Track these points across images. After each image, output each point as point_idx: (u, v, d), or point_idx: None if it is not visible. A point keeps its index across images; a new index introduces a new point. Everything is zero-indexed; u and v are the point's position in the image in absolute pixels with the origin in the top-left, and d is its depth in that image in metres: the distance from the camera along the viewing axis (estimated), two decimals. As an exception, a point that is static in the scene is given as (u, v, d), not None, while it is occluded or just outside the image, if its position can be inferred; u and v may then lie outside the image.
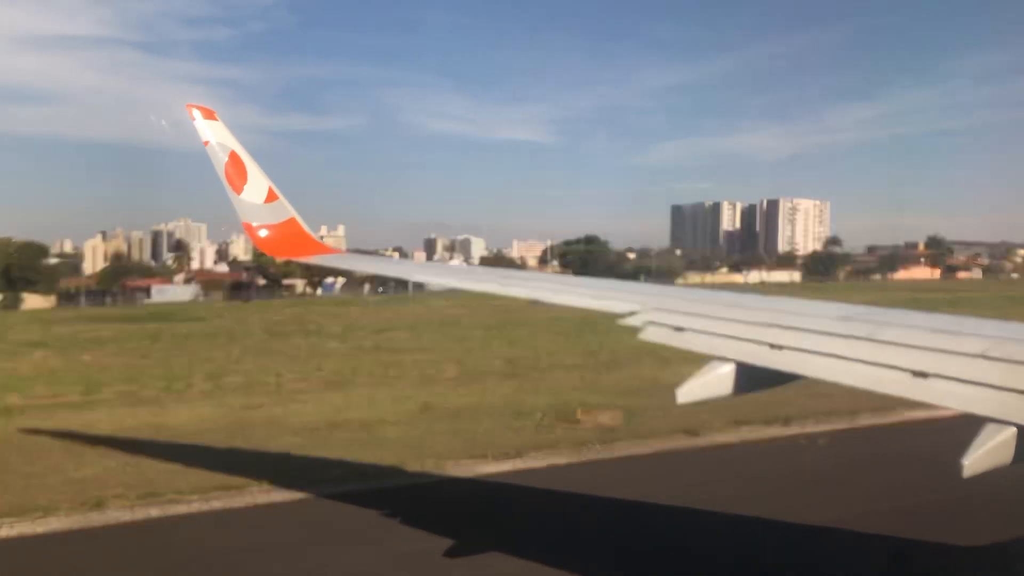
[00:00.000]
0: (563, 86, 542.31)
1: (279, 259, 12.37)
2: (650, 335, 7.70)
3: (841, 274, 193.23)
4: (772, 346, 6.73)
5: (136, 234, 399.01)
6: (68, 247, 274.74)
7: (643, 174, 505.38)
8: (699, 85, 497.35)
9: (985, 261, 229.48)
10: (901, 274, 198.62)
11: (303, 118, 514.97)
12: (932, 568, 12.45)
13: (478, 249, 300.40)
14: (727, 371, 6.65)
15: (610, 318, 8.35)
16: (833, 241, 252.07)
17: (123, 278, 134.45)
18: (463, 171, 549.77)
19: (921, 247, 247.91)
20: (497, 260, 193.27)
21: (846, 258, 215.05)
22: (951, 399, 5.26)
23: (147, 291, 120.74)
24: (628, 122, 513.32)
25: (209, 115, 10.31)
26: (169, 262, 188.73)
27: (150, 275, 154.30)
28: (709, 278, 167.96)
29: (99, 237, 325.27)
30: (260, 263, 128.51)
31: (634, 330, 7.95)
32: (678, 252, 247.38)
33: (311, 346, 45.34)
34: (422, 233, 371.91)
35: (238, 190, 10.35)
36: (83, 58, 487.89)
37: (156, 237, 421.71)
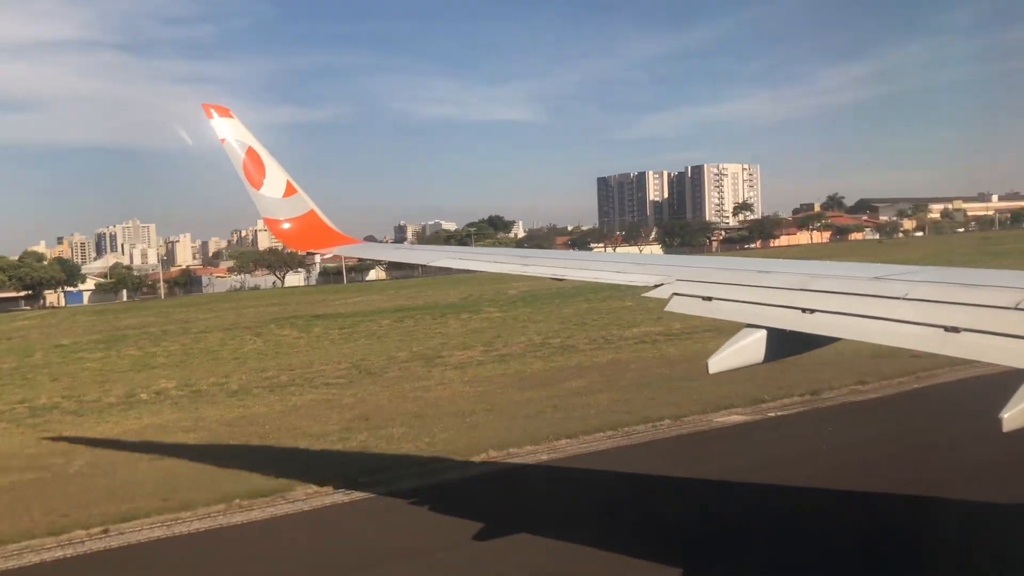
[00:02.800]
0: (549, 62, 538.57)
1: (301, 251, 12.54)
2: (678, 306, 7.82)
3: (715, 244, 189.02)
4: (804, 310, 6.77)
5: (78, 238, 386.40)
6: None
7: (633, 147, 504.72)
8: (686, 54, 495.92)
9: (884, 220, 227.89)
10: (783, 240, 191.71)
11: (290, 110, 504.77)
12: None
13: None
14: (759, 338, 6.72)
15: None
16: (744, 206, 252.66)
17: None
18: (446, 155, 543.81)
19: (816, 207, 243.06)
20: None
21: (707, 227, 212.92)
22: (987, 352, 5.41)
23: None
24: (616, 95, 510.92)
25: (224, 113, 10.48)
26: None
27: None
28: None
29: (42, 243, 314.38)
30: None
31: (662, 302, 8.02)
32: (584, 228, 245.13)
33: None
34: (391, 220, 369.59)
35: (257, 186, 10.56)
36: (65, 62, 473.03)
37: (99, 240, 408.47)
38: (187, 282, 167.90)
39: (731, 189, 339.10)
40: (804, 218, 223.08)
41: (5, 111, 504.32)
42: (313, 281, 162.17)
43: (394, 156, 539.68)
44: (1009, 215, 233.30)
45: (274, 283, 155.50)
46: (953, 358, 5.75)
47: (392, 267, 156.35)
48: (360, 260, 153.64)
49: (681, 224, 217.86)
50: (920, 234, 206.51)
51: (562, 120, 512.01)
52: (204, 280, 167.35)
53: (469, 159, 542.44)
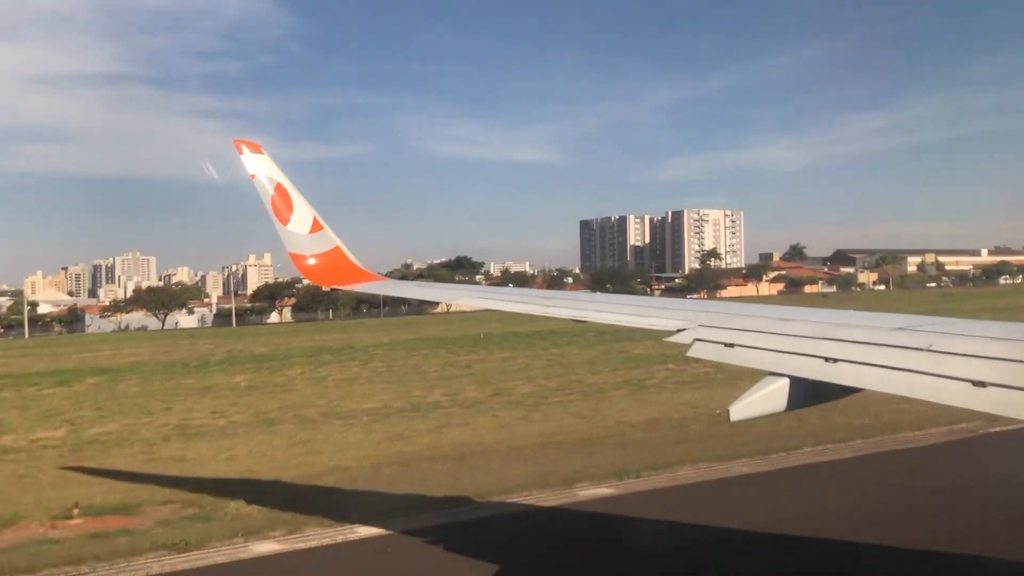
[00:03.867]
0: (571, 105, 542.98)
1: (326, 287, 12.66)
2: (699, 352, 7.75)
3: (656, 292, 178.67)
4: (827, 359, 6.65)
5: (76, 269, 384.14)
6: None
7: (653, 191, 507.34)
8: (707, 99, 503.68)
9: (846, 271, 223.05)
10: (732, 291, 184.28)
11: (315, 147, 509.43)
12: None
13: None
14: (781, 386, 6.63)
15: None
16: (712, 254, 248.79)
17: None
18: (467, 194, 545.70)
19: (776, 258, 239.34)
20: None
21: (638, 274, 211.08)
22: (1014, 408, 5.32)
23: None
24: (637, 139, 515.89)
25: (255, 149, 10.71)
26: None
27: None
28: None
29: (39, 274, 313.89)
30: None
31: (683, 347, 7.94)
32: (558, 270, 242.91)
33: None
34: (404, 256, 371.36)
35: (284, 221, 10.76)
36: (95, 96, 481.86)
37: (95, 271, 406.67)
38: (72, 320, 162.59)
39: (712, 235, 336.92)
40: (756, 267, 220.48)
41: (36, 142, 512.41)
42: (208, 323, 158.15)
43: (412, 193, 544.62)
44: (981, 270, 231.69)
45: (164, 323, 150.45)
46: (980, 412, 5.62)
47: (297, 309, 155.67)
48: (253, 302, 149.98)
49: (610, 271, 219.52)
50: (882, 287, 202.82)
51: (582, 162, 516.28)
52: (87, 319, 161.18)
53: (488, 198, 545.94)
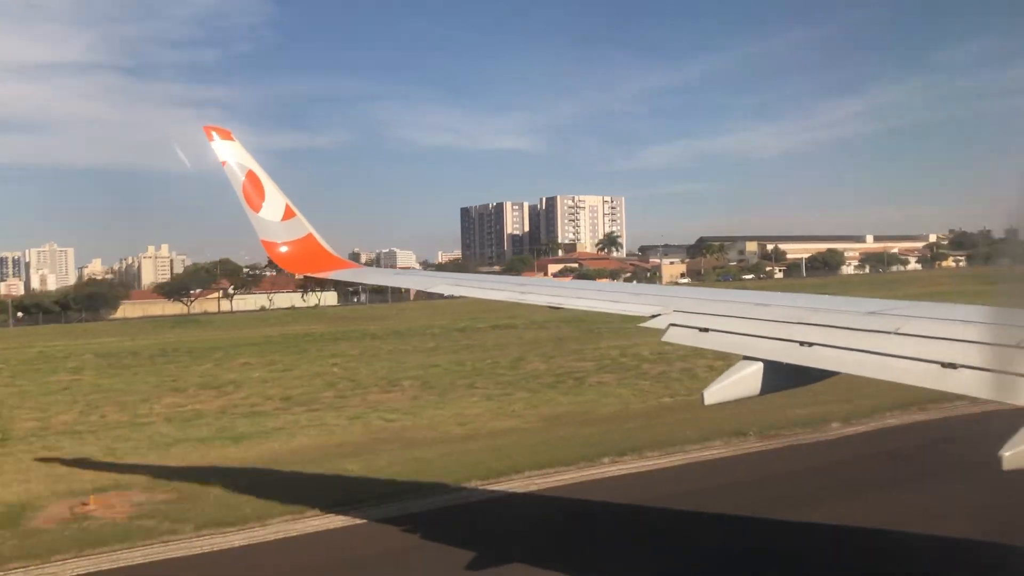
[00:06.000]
0: (550, 93, 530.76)
1: (298, 275, 12.41)
2: (674, 336, 7.93)
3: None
4: (801, 343, 6.77)
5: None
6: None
7: (633, 178, 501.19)
8: (687, 87, 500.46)
9: (654, 263, 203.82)
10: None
11: (293, 136, 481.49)
12: None
13: (406, 261, 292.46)
14: (755, 370, 6.72)
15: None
16: (610, 240, 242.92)
17: None
18: (441, 183, 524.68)
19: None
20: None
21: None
22: (983, 389, 5.44)
23: None
24: (617, 126, 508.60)
25: (226, 135, 10.50)
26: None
27: None
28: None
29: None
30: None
31: (658, 332, 8.12)
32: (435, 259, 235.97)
33: None
34: (376, 245, 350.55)
35: (256, 208, 10.60)
36: (69, 85, 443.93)
37: (1, 264, 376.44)
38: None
39: (589, 223, 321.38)
40: (514, 260, 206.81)
41: (6, 131, 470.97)
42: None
43: (385, 182, 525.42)
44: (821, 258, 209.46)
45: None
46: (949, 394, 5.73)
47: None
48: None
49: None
50: (686, 281, 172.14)
51: (561, 150, 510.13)
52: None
53: (462, 186, 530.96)
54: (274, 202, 10.73)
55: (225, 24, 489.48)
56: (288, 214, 10.84)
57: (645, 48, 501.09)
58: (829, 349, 6.61)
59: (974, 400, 6.12)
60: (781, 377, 6.77)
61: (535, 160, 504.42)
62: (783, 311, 7.70)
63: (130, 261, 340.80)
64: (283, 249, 10.85)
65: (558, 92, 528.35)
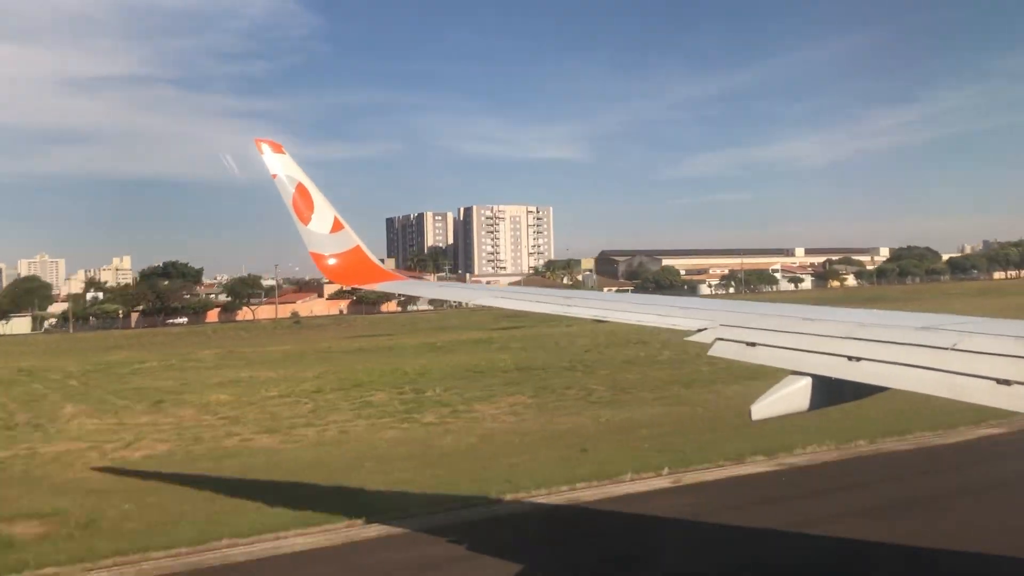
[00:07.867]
0: (596, 102, 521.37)
1: (346, 286, 12.55)
2: (721, 351, 7.94)
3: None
4: (851, 358, 6.71)
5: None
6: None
7: (678, 187, 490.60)
8: (734, 95, 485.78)
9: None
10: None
11: (340, 146, 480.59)
12: None
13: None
14: (804, 385, 6.66)
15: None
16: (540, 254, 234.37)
17: None
18: (475, 190, 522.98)
19: (586, 264, 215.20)
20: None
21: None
22: None
23: None
24: (662, 135, 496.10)
25: (277, 149, 10.62)
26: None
27: None
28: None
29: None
30: None
31: (704, 347, 8.14)
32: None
33: None
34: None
35: (305, 221, 10.73)
36: (121, 97, 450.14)
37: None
38: None
39: (510, 234, 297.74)
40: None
41: (61, 143, 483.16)
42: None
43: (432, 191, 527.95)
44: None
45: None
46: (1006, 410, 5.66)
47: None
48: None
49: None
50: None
51: (607, 159, 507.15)
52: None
53: (510, 195, 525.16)
54: (323, 215, 10.84)
55: (274, 36, 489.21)
56: (336, 227, 10.94)
57: (691, 56, 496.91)
58: (880, 364, 6.58)
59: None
60: (831, 392, 6.77)
61: (581, 168, 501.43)
62: (833, 326, 7.68)
63: (91, 273, 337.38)
64: (331, 261, 10.96)
65: (604, 101, 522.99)
